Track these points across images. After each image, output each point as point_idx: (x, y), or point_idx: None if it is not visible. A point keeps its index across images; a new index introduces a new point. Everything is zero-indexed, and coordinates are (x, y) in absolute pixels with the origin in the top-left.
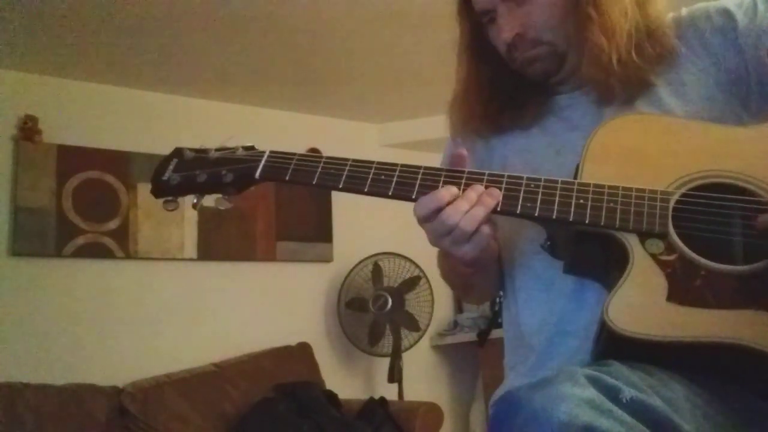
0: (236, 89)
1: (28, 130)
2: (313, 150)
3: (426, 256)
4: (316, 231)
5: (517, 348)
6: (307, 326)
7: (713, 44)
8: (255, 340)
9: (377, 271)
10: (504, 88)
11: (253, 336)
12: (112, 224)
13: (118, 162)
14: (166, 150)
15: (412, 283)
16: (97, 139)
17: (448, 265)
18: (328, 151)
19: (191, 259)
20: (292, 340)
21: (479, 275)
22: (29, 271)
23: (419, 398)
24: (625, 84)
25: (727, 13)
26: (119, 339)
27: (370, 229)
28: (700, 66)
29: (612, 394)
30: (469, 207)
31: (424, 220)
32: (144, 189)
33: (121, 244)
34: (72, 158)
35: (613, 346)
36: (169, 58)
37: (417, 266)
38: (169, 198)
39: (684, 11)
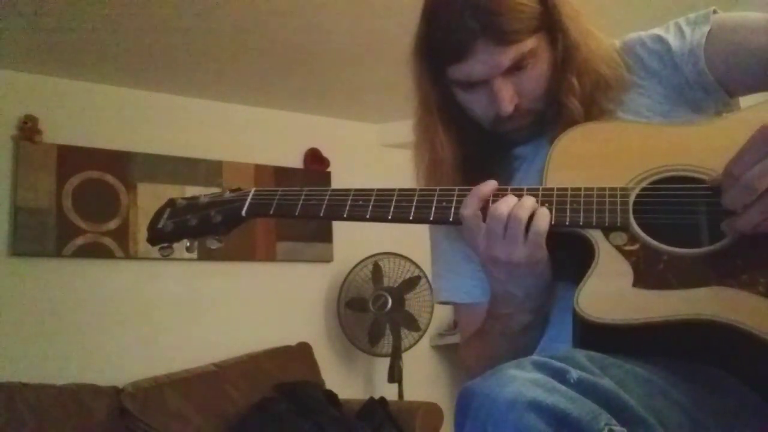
0: (236, 89)
1: (28, 130)
2: (313, 150)
3: (426, 256)
4: (316, 231)
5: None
6: (307, 326)
7: (653, 66)
8: (255, 340)
9: (377, 271)
10: (474, 151)
11: (253, 336)
12: (112, 224)
13: (118, 162)
14: (166, 150)
15: (412, 283)
16: (97, 139)
17: (501, 324)
18: (328, 150)
19: (191, 259)
20: (292, 340)
21: (534, 310)
22: (29, 271)
23: (419, 398)
24: (587, 119)
25: (659, 38)
26: (119, 339)
27: (369, 228)
28: (647, 87)
29: (559, 375)
30: (516, 200)
31: (475, 222)
32: (144, 189)
33: (121, 244)
34: (72, 158)
35: (587, 334)
36: (169, 58)
37: (417, 266)
38: (164, 245)
39: (617, 42)
